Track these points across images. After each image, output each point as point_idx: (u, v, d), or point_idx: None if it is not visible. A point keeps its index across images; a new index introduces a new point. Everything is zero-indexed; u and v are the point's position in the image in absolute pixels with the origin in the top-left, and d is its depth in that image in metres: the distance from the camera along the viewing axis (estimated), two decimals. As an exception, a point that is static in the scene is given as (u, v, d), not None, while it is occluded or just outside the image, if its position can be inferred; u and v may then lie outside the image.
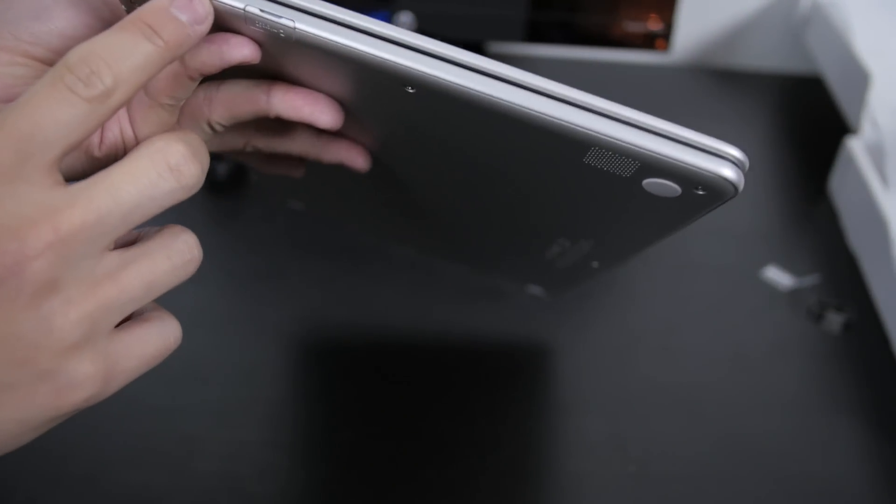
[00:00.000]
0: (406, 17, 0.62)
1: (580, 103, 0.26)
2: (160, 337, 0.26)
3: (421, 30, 0.62)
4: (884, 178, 0.53)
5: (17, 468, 0.40)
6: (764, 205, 0.60)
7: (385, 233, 0.47)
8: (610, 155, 0.26)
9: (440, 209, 0.38)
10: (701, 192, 0.27)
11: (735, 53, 0.74)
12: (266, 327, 0.48)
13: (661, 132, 0.26)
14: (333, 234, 0.54)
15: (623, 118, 0.26)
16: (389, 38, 0.25)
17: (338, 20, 0.25)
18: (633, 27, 0.65)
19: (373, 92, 0.26)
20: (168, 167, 0.24)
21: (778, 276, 0.53)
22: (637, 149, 0.26)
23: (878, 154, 0.54)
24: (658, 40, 0.66)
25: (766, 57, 0.74)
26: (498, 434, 0.43)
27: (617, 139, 0.26)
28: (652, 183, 0.27)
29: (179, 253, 0.26)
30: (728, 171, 0.26)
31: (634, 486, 0.41)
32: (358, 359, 0.47)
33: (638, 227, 0.32)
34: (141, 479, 0.40)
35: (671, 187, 0.27)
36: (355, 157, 0.32)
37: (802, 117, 0.69)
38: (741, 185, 0.26)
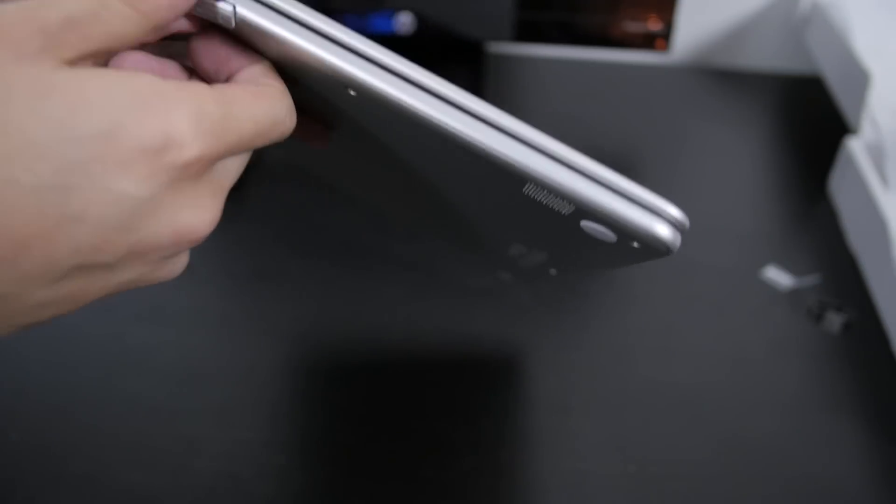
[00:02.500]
0: (406, 17, 0.62)
1: (521, 137, 0.25)
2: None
3: (418, 30, 0.62)
4: (884, 178, 0.53)
5: (17, 468, 0.40)
6: (764, 205, 0.60)
7: (362, 193, 0.47)
8: (546, 192, 0.26)
9: (400, 190, 0.38)
10: (635, 245, 0.26)
11: (735, 53, 0.74)
12: (266, 327, 0.48)
13: (602, 181, 0.25)
14: (333, 235, 0.54)
15: (564, 160, 0.25)
16: (336, 39, 0.25)
17: (283, 12, 0.25)
18: (632, 27, 0.65)
19: (320, 85, 0.26)
20: (283, 116, 0.25)
21: (778, 276, 0.53)
22: (572, 192, 0.25)
23: (878, 154, 0.54)
24: (658, 40, 0.66)
25: (766, 57, 0.74)
26: (497, 434, 0.43)
27: (552, 180, 0.25)
28: (589, 225, 0.27)
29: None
30: (663, 231, 0.25)
31: (634, 486, 0.41)
32: (358, 359, 0.47)
33: (583, 255, 0.32)
34: (141, 479, 0.40)
35: (607, 234, 0.27)
36: (312, 137, 0.32)
37: (802, 117, 0.69)
38: (676, 246, 0.26)
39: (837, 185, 0.58)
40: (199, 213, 0.24)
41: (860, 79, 0.57)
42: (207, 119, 0.23)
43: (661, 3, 0.64)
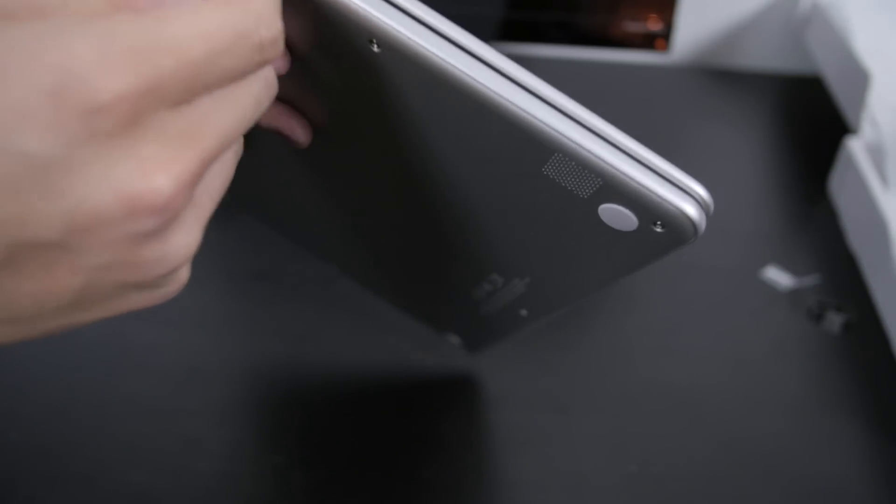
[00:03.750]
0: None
1: (555, 103, 0.24)
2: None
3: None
4: (884, 178, 0.53)
5: (17, 468, 0.40)
6: (764, 205, 0.60)
7: (307, 239, 0.43)
8: (573, 166, 0.25)
9: (370, 219, 0.36)
10: (658, 230, 0.25)
11: (735, 53, 0.74)
12: (266, 327, 0.48)
13: (632, 153, 0.24)
14: (333, 234, 0.54)
15: (597, 130, 0.24)
16: None
17: None
18: (632, 27, 0.65)
19: (333, 44, 0.24)
20: (251, 28, 0.20)
21: (778, 276, 0.53)
22: (603, 163, 0.24)
23: (878, 154, 0.54)
24: (658, 40, 0.66)
25: (766, 57, 0.74)
26: (496, 434, 0.43)
27: (585, 147, 0.24)
28: (609, 209, 0.25)
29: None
30: (692, 209, 0.24)
31: (634, 486, 0.41)
32: (358, 359, 0.47)
33: (582, 266, 0.30)
34: (141, 479, 0.40)
35: (628, 218, 0.25)
36: (295, 127, 0.28)
37: (802, 117, 0.69)
38: (702, 229, 0.25)
39: (837, 185, 0.58)
40: (147, 168, 0.19)
41: (860, 79, 0.57)
42: (121, 42, 0.18)
43: (661, 3, 0.64)
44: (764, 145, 0.66)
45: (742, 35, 0.74)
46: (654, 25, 0.65)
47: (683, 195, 0.24)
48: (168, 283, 0.23)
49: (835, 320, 0.49)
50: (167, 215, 0.20)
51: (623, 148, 0.24)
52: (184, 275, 0.23)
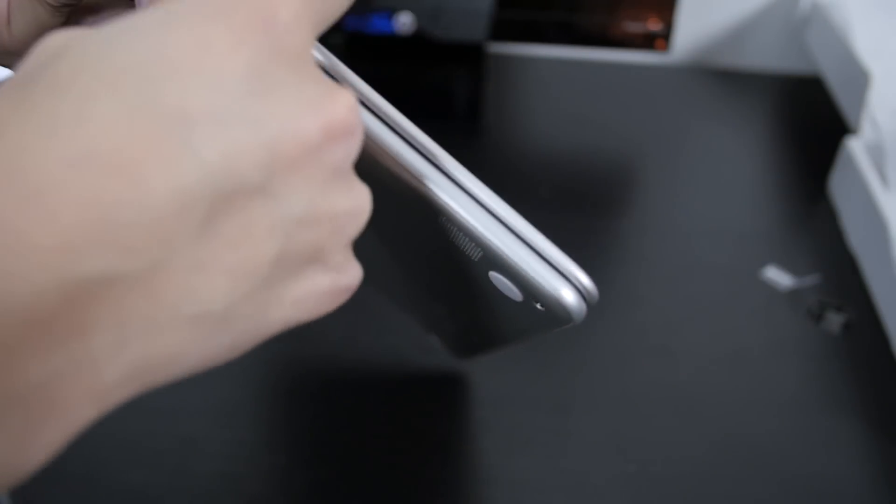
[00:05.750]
0: (406, 17, 0.62)
1: (440, 164, 0.24)
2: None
3: (418, 29, 0.62)
4: (884, 178, 0.53)
5: (16, 468, 0.40)
6: (764, 205, 0.60)
7: None
8: (455, 231, 0.25)
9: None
10: (539, 308, 0.25)
11: (735, 53, 0.74)
12: (266, 327, 0.48)
13: (517, 231, 0.24)
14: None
15: (483, 201, 0.24)
16: None
17: None
18: (632, 27, 0.65)
19: None
20: None
21: (778, 276, 0.53)
22: (479, 235, 0.24)
23: (878, 154, 0.54)
24: (658, 40, 0.66)
25: (766, 57, 0.74)
26: (497, 434, 0.43)
27: (460, 215, 0.24)
28: (497, 277, 0.25)
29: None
30: (568, 295, 0.24)
31: (634, 486, 0.41)
32: (359, 358, 0.47)
33: (495, 317, 0.30)
34: (141, 479, 0.40)
35: (513, 290, 0.25)
36: None
37: (802, 117, 0.69)
38: (579, 316, 0.25)
39: (837, 185, 0.58)
40: (332, 90, 0.19)
41: (860, 79, 0.58)
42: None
43: (661, 3, 0.64)
44: (764, 145, 0.66)
45: (742, 35, 0.74)
46: (654, 25, 0.65)
47: (562, 280, 0.24)
48: (347, 267, 0.22)
49: (835, 320, 0.49)
50: (354, 142, 0.19)
51: (508, 223, 0.24)
52: (358, 268, 0.23)
